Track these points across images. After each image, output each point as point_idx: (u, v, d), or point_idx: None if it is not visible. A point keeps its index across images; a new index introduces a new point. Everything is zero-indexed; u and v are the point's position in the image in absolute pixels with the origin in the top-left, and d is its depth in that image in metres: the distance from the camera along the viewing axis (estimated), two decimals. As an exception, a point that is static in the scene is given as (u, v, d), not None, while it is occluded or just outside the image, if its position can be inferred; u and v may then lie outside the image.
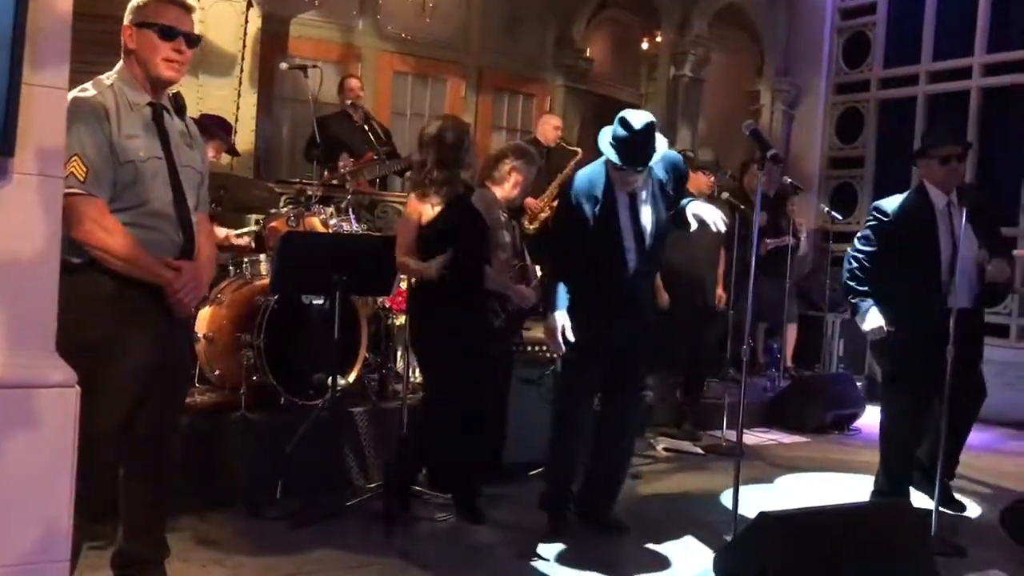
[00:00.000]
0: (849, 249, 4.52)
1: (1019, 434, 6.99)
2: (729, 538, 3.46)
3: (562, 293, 3.88)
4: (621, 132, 3.78)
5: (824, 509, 3.52)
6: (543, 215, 7.09)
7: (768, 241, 7.18)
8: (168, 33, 2.69)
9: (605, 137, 3.87)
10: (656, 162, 3.88)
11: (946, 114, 8.27)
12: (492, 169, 4.72)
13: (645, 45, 9.24)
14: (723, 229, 3.90)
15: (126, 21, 2.72)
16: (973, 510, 4.85)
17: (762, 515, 3.04)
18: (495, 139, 8.34)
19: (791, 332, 7.69)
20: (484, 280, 4.14)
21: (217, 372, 4.58)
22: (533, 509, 4.41)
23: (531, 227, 7.04)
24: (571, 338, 3.82)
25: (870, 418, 6.71)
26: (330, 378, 4.22)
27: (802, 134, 9.35)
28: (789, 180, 7.49)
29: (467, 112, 8.31)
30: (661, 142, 3.86)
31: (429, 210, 3.96)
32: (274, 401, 4.50)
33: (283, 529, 3.89)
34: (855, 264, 4.44)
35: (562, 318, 3.84)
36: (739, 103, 9.46)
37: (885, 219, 4.46)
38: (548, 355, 5.90)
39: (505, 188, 4.67)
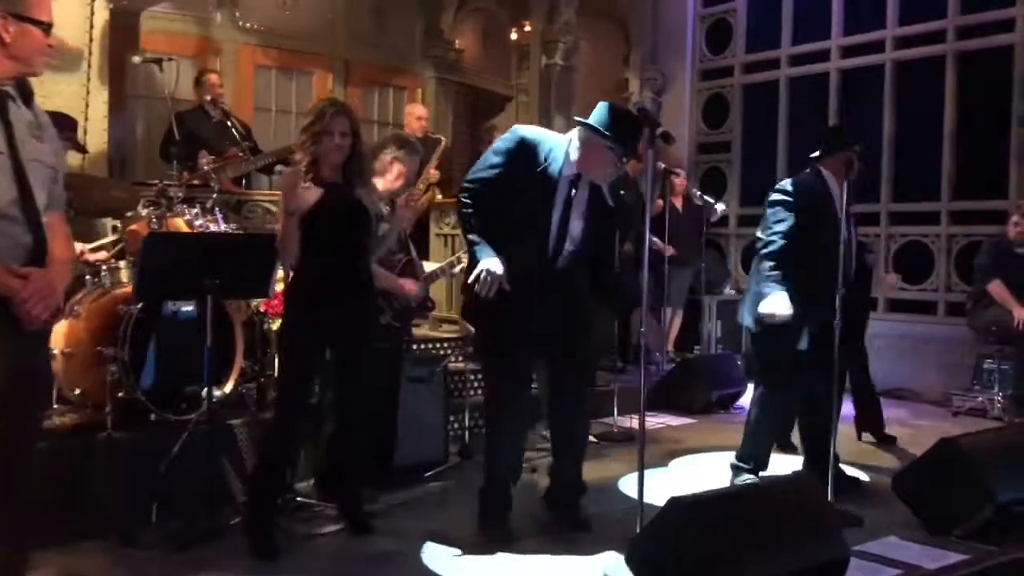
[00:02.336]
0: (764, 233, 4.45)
1: (890, 402, 7.23)
2: (638, 528, 3.36)
3: (487, 245, 3.67)
4: (608, 116, 3.63)
5: (731, 490, 3.49)
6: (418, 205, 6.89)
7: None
8: (49, 29, 2.49)
9: (595, 116, 3.69)
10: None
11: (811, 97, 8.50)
12: (372, 160, 4.52)
13: (514, 35, 9.16)
14: None
15: None
16: (863, 478, 4.96)
17: (672, 501, 2.96)
18: (366, 133, 8.04)
19: (677, 318, 7.75)
20: (362, 274, 3.83)
21: (78, 391, 4.21)
22: (429, 514, 4.25)
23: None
24: (505, 286, 3.61)
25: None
26: (204, 389, 3.93)
27: (671, 121, 9.43)
28: (663, 165, 7.53)
29: (335, 106, 8.00)
30: None
31: (310, 195, 3.63)
32: (144, 418, 4.18)
33: (161, 556, 3.60)
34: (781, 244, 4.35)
35: (496, 262, 3.62)
36: (609, 92, 9.47)
37: (792, 199, 4.43)
38: (439, 352, 5.77)
39: (387, 180, 4.48)
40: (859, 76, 8.35)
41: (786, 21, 8.77)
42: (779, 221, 4.37)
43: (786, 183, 4.54)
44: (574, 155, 3.75)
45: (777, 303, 4.22)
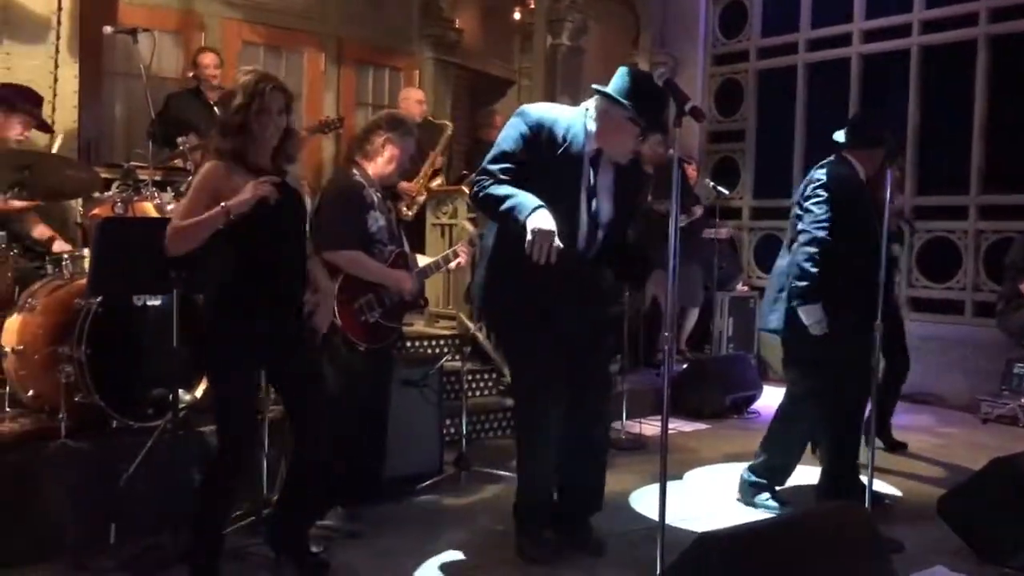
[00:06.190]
0: (808, 225, 4.01)
1: (914, 407, 6.85)
2: (658, 564, 2.93)
3: (523, 192, 3.14)
4: (630, 84, 3.19)
5: (768, 523, 3.08)
6: (420, 199, 6.49)
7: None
8: None
9: (614, 83, 3.25)
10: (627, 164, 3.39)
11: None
12: (364, 143, 4.09)
13: (517, 15, 8.70)
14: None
15: None
16: (895, 494, 4.57)
17: (702, 539, 2.54)
18: (360, 116, 7.62)
19: (692, 316, 7.34)
20: (297, 276, 3.26)
21: (31, 393, 3.80)
22: (419, 532, 3.84)
23: (409, 213, 6.43)
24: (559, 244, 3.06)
25: (767, 400, 6.43)
26: (171, 394, 3.50)
27: (681, 108, 9.00)
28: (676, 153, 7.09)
29: (328, 87, 7.57)
30: None
31: (236, 185, 3.04)
32: (104, 424, 3.76)
33: (118, 583, 3.20)
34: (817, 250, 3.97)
35: (548, 216, 3.04)
36: (616, 78, 9.01)
37: (832, 193, 4.05)
38: (433, 352, 5.35)
39: (378, 164, 4.05)
40: (883, 62, 7.89)
41: (805, 3, 8.32)
42: (820, 214, 4.00)
43: (821, 173, 4.13)
44: (592, 128, 3.31)
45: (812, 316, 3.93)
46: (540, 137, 3.26)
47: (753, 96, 8.74)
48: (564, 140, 3.27)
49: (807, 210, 4.05)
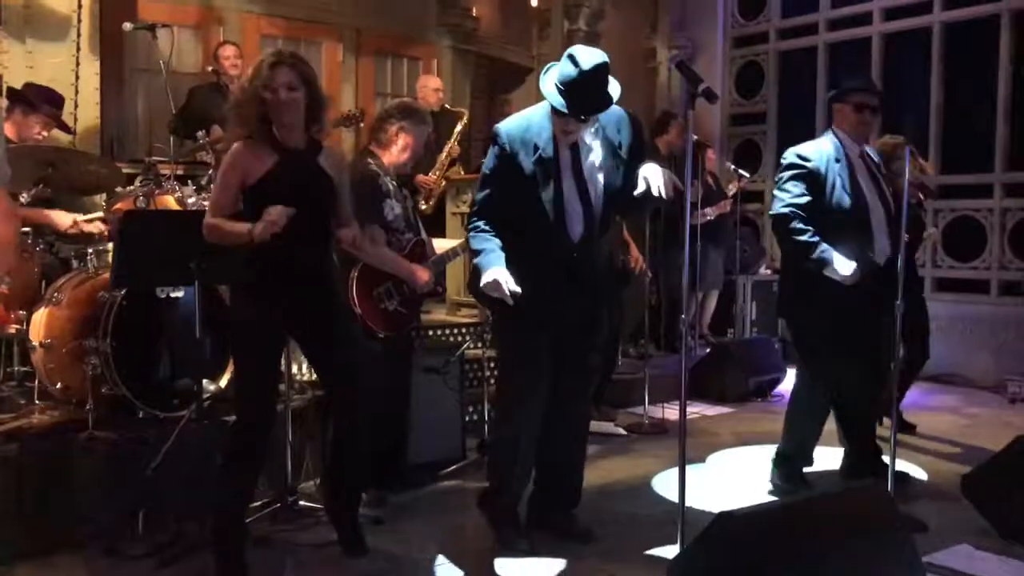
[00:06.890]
0: (777, 206, 3.99)
1: (941, 387, 6.82)
2: (678, 543, 2.94)
3: (494, 251, 3.30)
4: (569, 72, 3.18)
5: (788, 502, 3.08)
6: (439, 190, 6.50)
7: (707, 211, 6.75)
8: None
9: (549, 78, 3.29)
10: (609, 122, 3.38)
11: (856, 63, 7.94)
12: (377, 132, 4.12)
13: (534, 2, 8.67)
14: (667, 195, 3.30)
15: None
16: (920, 475, 4.55)
17: (722, 517, 2.55)
18: (379, 107, 7.60)
19: (713, 299, 7.32)
20: (325, 254, 3.33)
21: (60, 385, 3.88)
22: (442, 517, 3.87)
23: (426, 207, 6.45)
24: (516, 288, 3.20)
25: (791, 383, 6.38)
26: (196, 384, 3.56)
27: (700, 91, 8.94)
28: (696, 137, 7.07)
29: (346, 78, 7.60)
30: (615, 87, 3.30)
31: (260, 165, 3.13)
32: (131, 415, 3.82)
33: (148, 569, 3.27)
34: (796, 216, 3.90)
35: (500, 271, 3.22)
36: (635, 62, 8.97)
37: (809, 165, 3.96)
38: (454, 339, 5.38)
39: (393, 152, 4.08)
40: (904, 40, 7.80)
41: (825, -17, 8.25)
42: (785, 196, 3.96)
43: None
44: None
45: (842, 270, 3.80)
46: (515, 149, 3.35)
47: (774, 78, 8.68)
48: (537, 143, 3.34)
49: (773, 196, 4.06)
